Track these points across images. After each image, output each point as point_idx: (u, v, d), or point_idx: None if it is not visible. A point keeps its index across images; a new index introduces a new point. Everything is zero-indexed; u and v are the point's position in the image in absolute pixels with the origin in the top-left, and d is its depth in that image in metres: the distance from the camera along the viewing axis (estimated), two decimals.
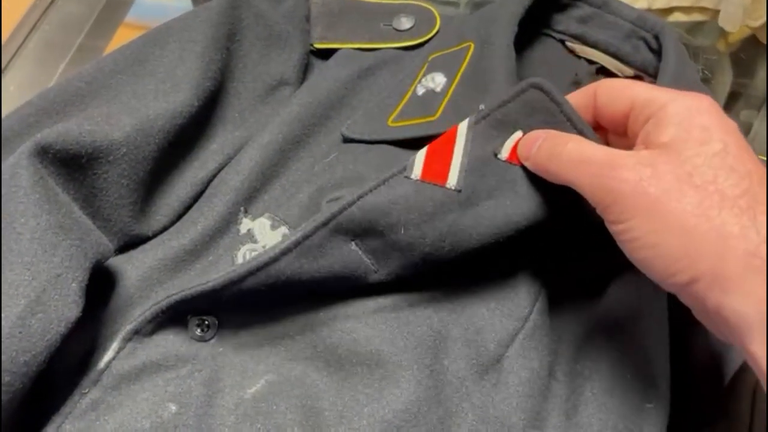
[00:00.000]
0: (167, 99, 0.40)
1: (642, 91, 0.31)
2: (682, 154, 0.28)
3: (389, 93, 0.46)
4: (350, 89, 0.47)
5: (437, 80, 0.44)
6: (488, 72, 0.42)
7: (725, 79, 0.55)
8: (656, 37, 0.46)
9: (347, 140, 0.44)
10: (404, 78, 0.46)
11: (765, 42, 0.55)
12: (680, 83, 0.42)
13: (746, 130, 0.56)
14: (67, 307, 0.32)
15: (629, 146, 0.31)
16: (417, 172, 0.34)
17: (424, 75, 0.45)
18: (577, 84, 0.48)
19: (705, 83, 0.53)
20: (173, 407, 0.34)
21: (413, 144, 0.43)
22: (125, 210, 0.39)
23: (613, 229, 0.29)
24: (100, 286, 0.37)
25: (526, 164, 0.34)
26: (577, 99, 0.34)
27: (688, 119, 0.28)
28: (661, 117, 0.29)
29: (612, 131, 0.34)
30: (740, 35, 0.59)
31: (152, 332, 0.35)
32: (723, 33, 0.59)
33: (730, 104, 0.56)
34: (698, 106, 0.29)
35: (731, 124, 0.29)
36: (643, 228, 0.27)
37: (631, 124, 0.31)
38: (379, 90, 0.47)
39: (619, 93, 0.32)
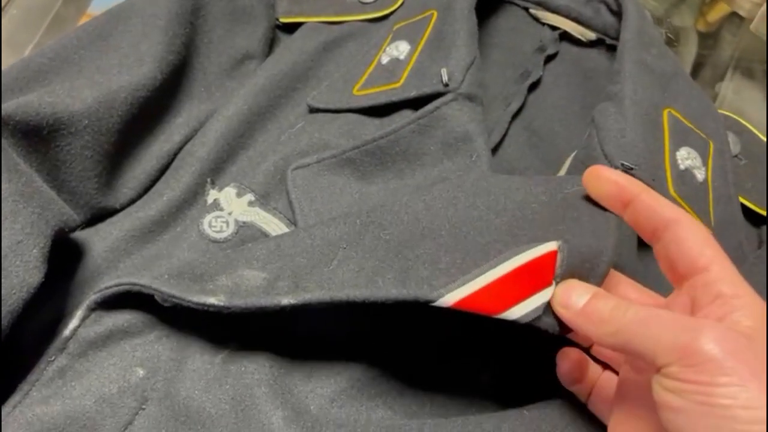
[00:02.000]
0: (130, 72, 0.40)
1: (723, 264, 0.28)
2: (761, 344, 0.25)
3: (355, 63, 0.46)
4: (316, 61, 0.47)
5: (401, 48, 0.45)
6: (449, 36, 0.43)
7: (690, 49, 0.55)
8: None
9: (313, 110, 0.44)
10: (370, 48, 0.47)
11: (733, 10, 0.55)
12: (643, 38, 0.43)
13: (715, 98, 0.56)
14: (28, 273, 0.32)
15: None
16: None
17: (388, 44, 0.46)
18: (542, 50, 0.48)
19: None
20: (141, 372, 0.34)
21: (378, 111, 0.43)
22: (90, 182, 0.39)
23: (696, 388, 0.24)
24: (68, 258, 0.37)
25: (566, 314, 0.29)
26: (645, 217, 0.30)
27: (763, 318, 0.26)
28: (742, 306, 0.26)
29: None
30: (718, 14, 0.60)
31: (118, 301, 0.35)
32: (701, 12, 0.59)
33: (695, 74, 0.56)
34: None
35: None
36: (741, 395, 0.23)
37: (693, 288, 0.28)
38: (345, 61, 0.47)
39: (702, 248, 0.28)
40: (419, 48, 0.44)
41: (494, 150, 0.45)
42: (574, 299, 0.29)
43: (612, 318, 0.27)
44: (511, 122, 0.46)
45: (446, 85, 0.41)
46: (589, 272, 0.31)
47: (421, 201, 0.34)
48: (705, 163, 0.39)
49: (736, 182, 0.40)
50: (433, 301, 0.28)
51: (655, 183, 0.36)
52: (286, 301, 0.31)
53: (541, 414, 0.31)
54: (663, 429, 0.26)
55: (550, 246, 0.29)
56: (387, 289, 0.29)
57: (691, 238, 0.29)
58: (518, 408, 0.32)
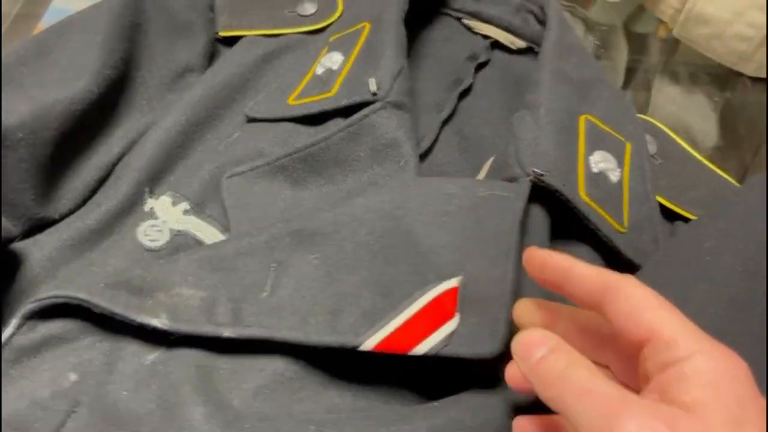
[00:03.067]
0: (66, 86, 0.42)
1: (666, 326, 0.25)
2: (707, 419, 0.23)
3: (292, 74, 0.47)
4: (255, 72, 0.48)
5: (335, 59, 0.46)
6: (379, 47, 0.44)
7: (621, 56, 0.57)
8: (543, 9, 0.48)
9: (250, 120, 0.46)
10: (306, 60, 0.48)
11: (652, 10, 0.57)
12: (562, 48, 0.45)
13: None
14: None
15: (632, 375, 0.27)
16: None
17: (324, 55, 0.47)
18: (473, 58, 0.50)
19: (599, 58, 0.56)
20: (74, 376, 0.35)
21: (312, 120, 0.45)
22: (27, 194, 0.40)
23: None
24: (5, 268, 0.39)
25: (522, 367, 0.28)
26: (582, 290, 0.28)
27: (719, 383, 0.24)
28: (687, 373, 0.24)
29: (615, 351, 0.29)
30: None
31: (54, 309, 0.36)
32: (662, 20, 0.61)
33: (628, 79, 0.58)
34: (733, 372, 0.24)
35: (762, 401, 0.24)
36: None
37: (644, 360, 0.26)
38: (283, 72, 0.49)
39: (639, 315, 0.26)
40: (351, 59, 0.46)
41: (426, 155, 0.46)
42: (533, 352, 0.27)
43: (556, 381, 0.26)
44: (442, 128, 0.47)
45: (375, 94, 0.42)
46: (496, 299, 0.34)
47: (346, 216, 0.37)
48: (621, 165, 0.41)
49: (653, 181, 0.42)
50: (358, 347, 0.33)
51: (566, 187, 0.38)
52: (227, 333, 0.34)
53: (454, 402, 0.32)
54: None
55: (452, 283, 0.34)
56: (319, 335, 0.34)
57: (628, 306, 0.26)
58: (436, 400, 0.34)
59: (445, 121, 0.48)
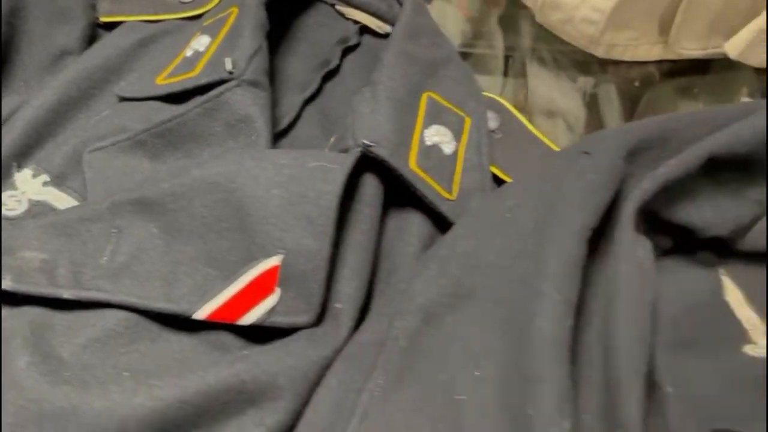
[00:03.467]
0: None
1: None
2: None
3: (165, 57, 0.50)
4: (130, 55, 0.51)
5: (203, 42, 0.49)
6: (239, 30, 0.47)
7: (498, 43, 0.60)
8: None
9: (121, 99, 0.48)
10: (180, 43, 0.51)
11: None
12: (413, 29, 0.48)
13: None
14: None
15: None
16: None
17: (195, 39, 0.50)
18: (342, 42, 0.53)
19: (467, 47, 0.59)
20: None
21: (177, 99, 0.47)
22: None
23: None
24: None
25: None
26: None
27: None
28: None
29: None
30: None
31: None
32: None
33: (506, 65, 0.60)
34: None
35: None
36: None
37: None
38: (158, 55, 0.51)
39: None
40: (217, 41, 0.48)
41: (287, 132, 0.49)
42: None
43: None
44: (305, 107, 0.50)
45: (231, 72, 0.45)
46: (313, 273, 0.36)
47: (183, 187, 0.39)
48: (458, 138, 0.44)
49: (489, 153, 0.45)
50: (191, 315, 0.37)
51: (393, 158, 0.40)
52: (67, 295, 0.37)
53: (263, 351, 0.35)
54: None
55: (273, 261, 0.37)
56: (155, 301, 0.37)
57: None
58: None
59: (310, 100, 0.50)
